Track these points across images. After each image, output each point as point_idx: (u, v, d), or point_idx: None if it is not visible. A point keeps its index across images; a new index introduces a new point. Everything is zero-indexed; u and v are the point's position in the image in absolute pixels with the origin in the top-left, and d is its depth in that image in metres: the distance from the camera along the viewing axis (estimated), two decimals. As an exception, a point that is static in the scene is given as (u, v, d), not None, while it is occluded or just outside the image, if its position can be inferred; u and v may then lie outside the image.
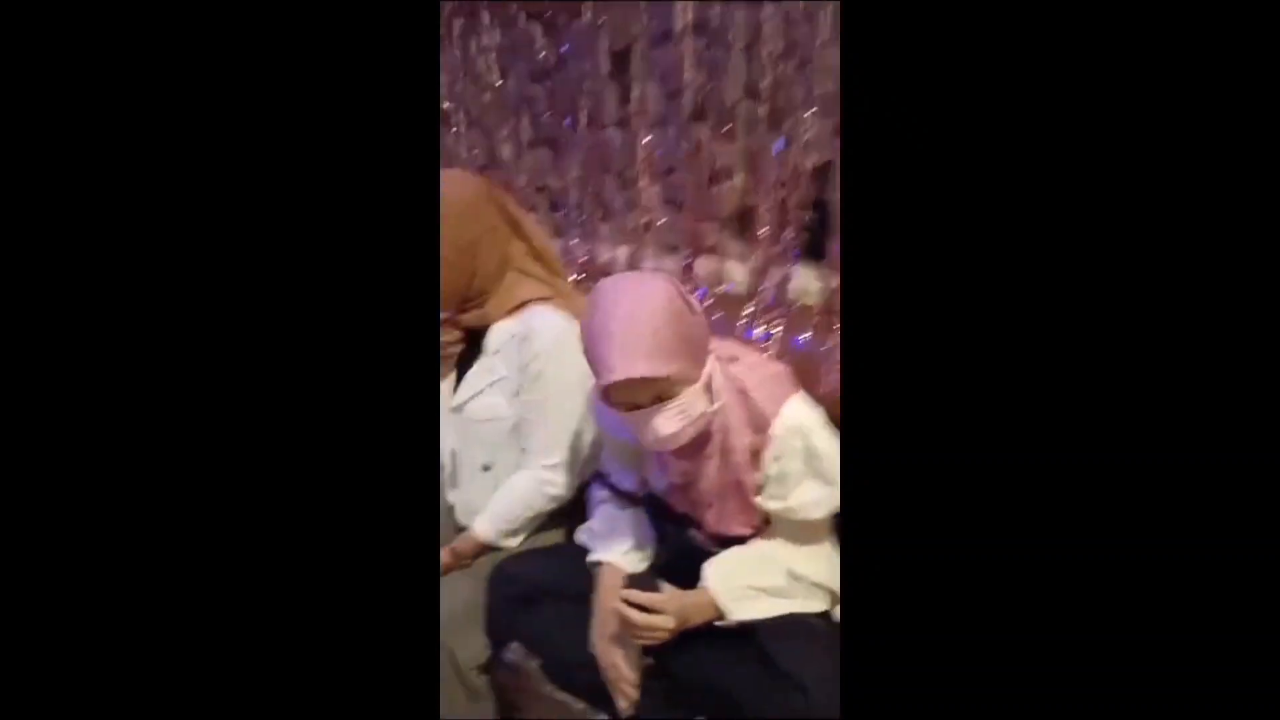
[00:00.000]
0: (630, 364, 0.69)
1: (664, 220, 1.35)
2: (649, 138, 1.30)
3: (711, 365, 0.77)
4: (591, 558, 0.90)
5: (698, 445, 0.79)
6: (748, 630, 0.77)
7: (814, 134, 1.14)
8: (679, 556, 0.88)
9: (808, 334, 1.15)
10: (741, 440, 0.78)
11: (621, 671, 0.81)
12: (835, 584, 0.81)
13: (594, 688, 0.87)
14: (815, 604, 0.80)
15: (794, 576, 0.79)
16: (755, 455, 0.78)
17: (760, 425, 0.77)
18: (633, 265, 1.40)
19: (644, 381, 0.70)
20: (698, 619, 0.78)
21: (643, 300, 0.71)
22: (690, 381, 0.73)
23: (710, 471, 0.80)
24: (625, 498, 0.94)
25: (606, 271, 1.42)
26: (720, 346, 0.83)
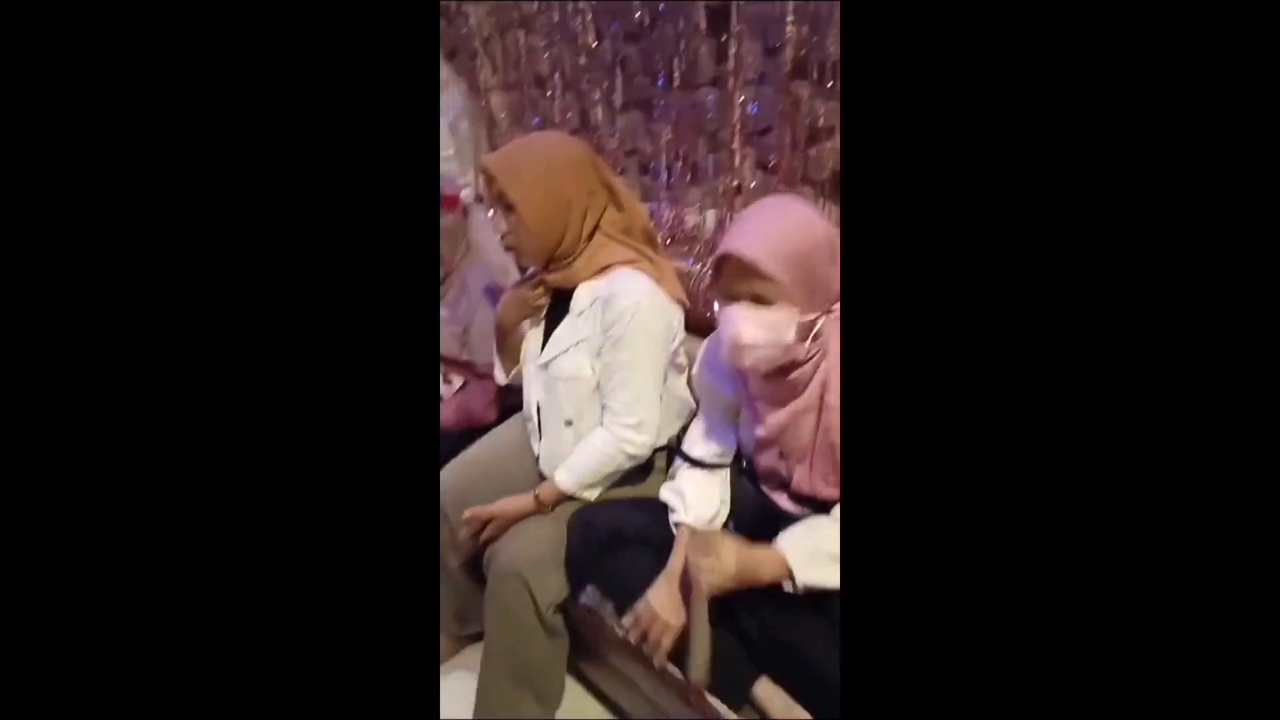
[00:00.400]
0: (744, 243, 0.73)
1: (755, 183, 1.31)
2: (743, 97, 1.26)
3: (825, 318, 0.77)
4: (674, 517, 0.92)
5: (790, 391, 0.80)
6: (818, 598, 0.76)
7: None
8: (760, 521, 0.87)
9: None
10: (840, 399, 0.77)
11: (666, 621, 0.81)
12: None
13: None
14: None
15: None
16: None
17: None
18: (720, 230, 1.37)
19: (750, 271, 0.72)
20: (764, 575, 0.76)
21: (790, 211, 0.76)
22: (792, 304, 0.74)
23: (804, 426, 0.80)
24: (711, 465, 0.95)
25: (693, 237, 1.40)
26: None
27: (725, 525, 0.92)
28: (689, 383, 1.10)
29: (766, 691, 0.81)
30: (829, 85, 1.17)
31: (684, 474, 0.96)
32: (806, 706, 0.78)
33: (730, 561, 0.76)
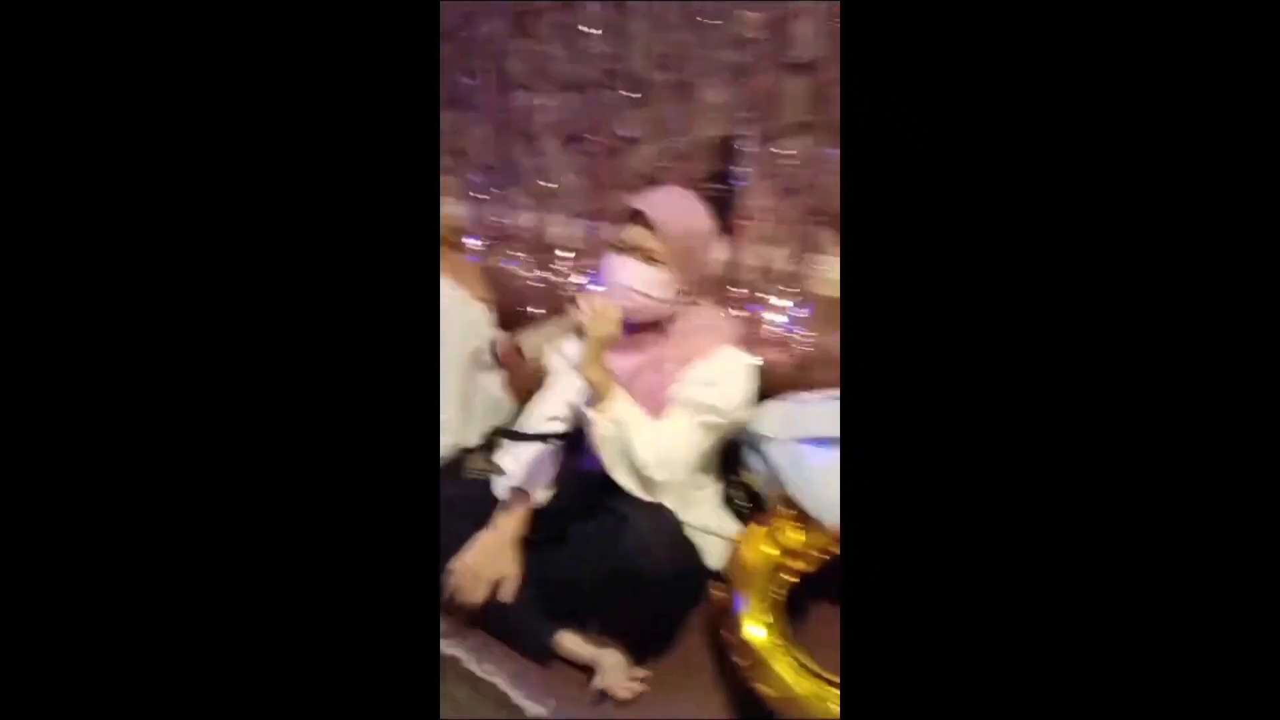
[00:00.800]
0: (655, 209, 0.89)
1: (570, 185, 1.34)
2: (544, 101, 1.28)
3: (688, 305, 0.93)
4: (497, 486, 0.96)
5: (638, 346, 0.92)
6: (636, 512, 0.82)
7: (718, 105, 1.15)
8: (588, 494, 0.90)
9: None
10: (675, 352, 0.91)
11: (478, 574, 0.85)
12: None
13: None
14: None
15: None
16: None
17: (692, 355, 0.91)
18: (538, 231, 1.38)
19: (650, 230, 0.88)
20: (598, 386, 0.83)
21: (690, 199, 0.94)
22: (672, 271, 0.89)
23: (642, 384, 0.90)
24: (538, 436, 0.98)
25: (516, 237, 1.40)
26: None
27: (551, 503, 0.93)
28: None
29: (570, 642, 0.84)
30: (636, 96, 1.23)
31: (506, 448, 0.99)
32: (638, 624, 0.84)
33: (613, 324, 0.83)
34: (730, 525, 0.95)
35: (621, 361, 0.90)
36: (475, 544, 0.87)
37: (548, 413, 0.99)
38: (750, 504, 0.98)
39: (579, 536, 0.86)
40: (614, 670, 0.82)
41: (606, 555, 0.80)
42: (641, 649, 0.85)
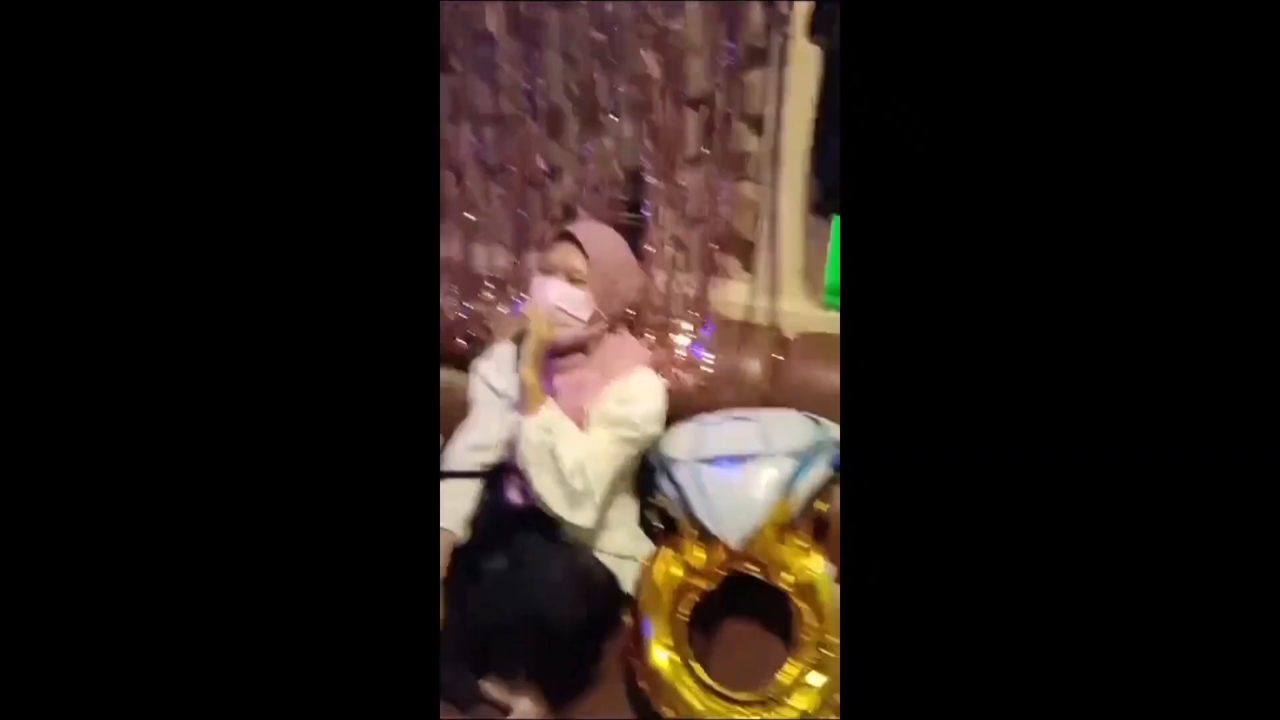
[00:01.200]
0: (578, 228, 0.99)
1: (490, 218, 1.37)
2: (466, 134, 1.31)
3: (607, 332, 1.00)
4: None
5: (560, 368, 0.98)
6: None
7: (626, 138, 1.19)
8: (509, 525, 0.94)
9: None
10: (595, 374, 0.98)
11: None
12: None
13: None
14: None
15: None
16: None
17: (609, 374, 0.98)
18: (465, 260, 1.41)
19: (577, 252, 0.96)
20: (530, 388, 0.93)
21: (614, 234, 1.04)
22: (594, 290, 0.96)
23: (568, 390, 0.97)
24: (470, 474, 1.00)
25: (443, 269, 1.42)
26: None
27: (469, 539, 0.95)
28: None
29: (490, 687, 0.88)
30: (551, 129, 1.26)
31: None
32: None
33: (552, 327, 0.94)
34: (645, 547, 0.99)
35: (546, 383, 0.96)
36: None
37: (473, 442, 1.00)
38: (663, 525, 1.02)
39: (492, 579, 0.88)
40: (527, 715, 0.84)
41: (519, 599, 0.82)
42: (558, 689, 0.87)
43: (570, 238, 0.98)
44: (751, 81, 1.10)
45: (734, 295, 1.16)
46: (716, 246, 1.14)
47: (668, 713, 0.82)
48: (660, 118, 1.10)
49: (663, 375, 1.03)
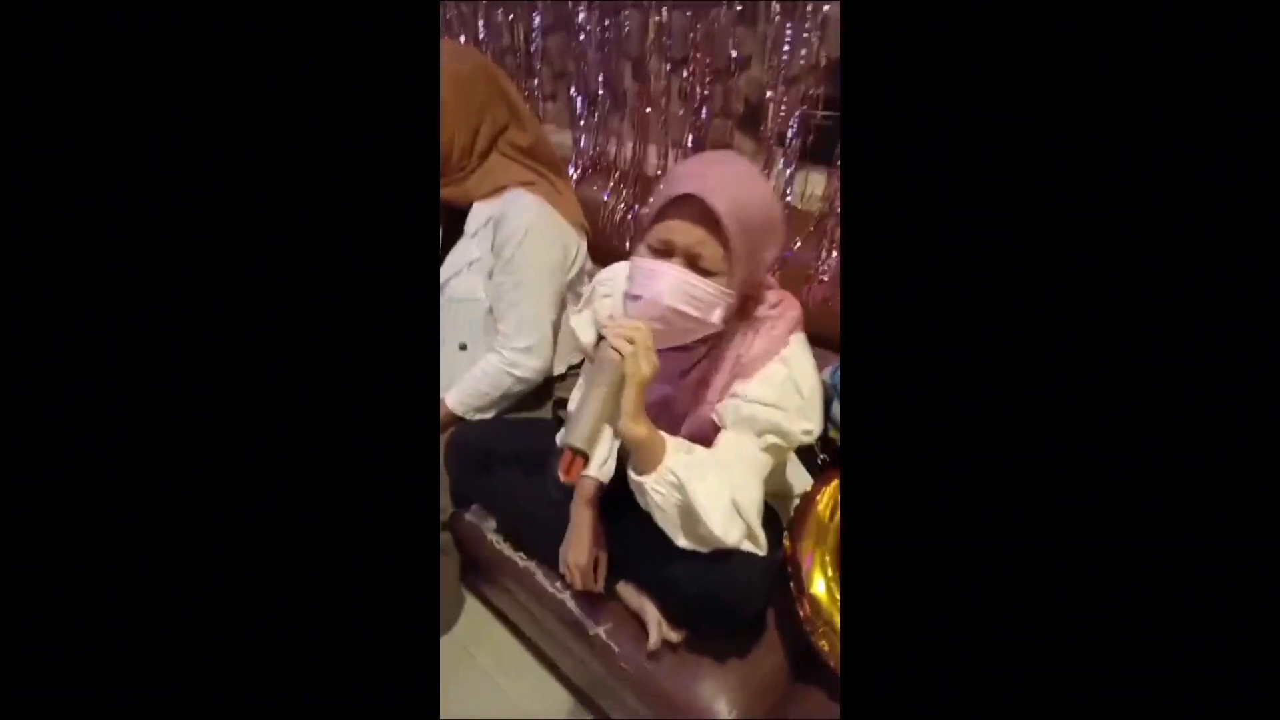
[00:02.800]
0: (715, 194, 0.62)
1: (672, 111, 1.28)
2: (658, 18, 1.21)
3: (738, 305, 0.71)
4: (562, 439, 0.86)
5: (673, 366, 0.75)
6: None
7: (834, 26, 1.04)
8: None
9: (797, 244, 1.10)
10: (721, 380, 0.74)
11: (585, 569, 0.84)
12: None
13: (538, 545, 0.93)
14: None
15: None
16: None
17: (740, 374, 0.73)
18: (637, 160, 1.35)
19: (706, 227, 0.63)
20: (641, 439, 0.65)
21: (755, 181, 0.67)
22: (728, 282, 0.66)
23: (674, 409, 0.77)
24: None
25: (614, 166, 1.38)
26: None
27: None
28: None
29: (624, 590, 0.86)
30: (739, 9, 1.14)
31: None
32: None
33: (652, 359, 0.64)
34: (807, 479, 0.91)
35: (651, 393, 0.71)
36: (568, 538, 0.85)
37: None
38: (827, 456, 0.94)
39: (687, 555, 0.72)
40: (656, 623, 0.82)
41: (717, 583, 0.72)
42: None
43: (691, 203, 0.64)
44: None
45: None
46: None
47: (824, 646, 0.77)
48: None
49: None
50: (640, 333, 0.63)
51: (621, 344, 0.62)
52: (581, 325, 0.87)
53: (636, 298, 0.66)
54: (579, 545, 0.83)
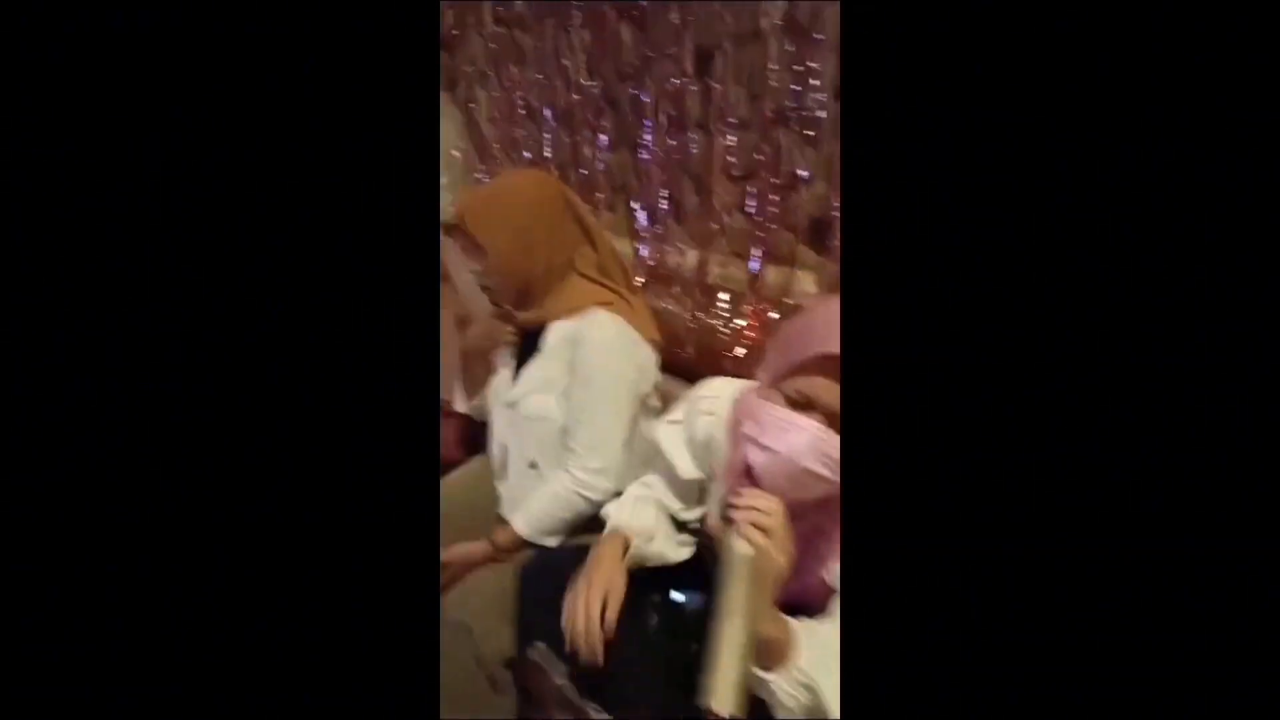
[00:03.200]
0: (835, 332, 0.57)
1: (734, 224, 1.31)
2: (723, 140, 1.26)
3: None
4: (607, 519, 0.84)
5: (797, 508, 0.66)
6: None
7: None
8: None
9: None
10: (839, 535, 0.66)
11: (592, 627, 0.76)
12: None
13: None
14: None
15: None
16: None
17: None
18: (701, 270, 1.36)
19: (827, 377, 0.60)
20: (768, 628, 0.60)
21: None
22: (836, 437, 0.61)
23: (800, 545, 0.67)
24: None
25: (674, 275, 1.40)
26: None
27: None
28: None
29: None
30: (809, 134, 1.17)
31: (629, 491, 0.90)
32: None
33: (784, 559, 0.58)
34: None
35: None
36: (578, 585, 0.79)
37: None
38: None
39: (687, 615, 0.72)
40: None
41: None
42: None
43: (828, 363, 0.59)
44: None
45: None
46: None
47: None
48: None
49: None
50: (776, 519, 0.57)
51: (755, 535, 0.55)
52: (671, 441, 0.83)
53: (768, 449, 0.62)
54: (600, 571, 0.73)
